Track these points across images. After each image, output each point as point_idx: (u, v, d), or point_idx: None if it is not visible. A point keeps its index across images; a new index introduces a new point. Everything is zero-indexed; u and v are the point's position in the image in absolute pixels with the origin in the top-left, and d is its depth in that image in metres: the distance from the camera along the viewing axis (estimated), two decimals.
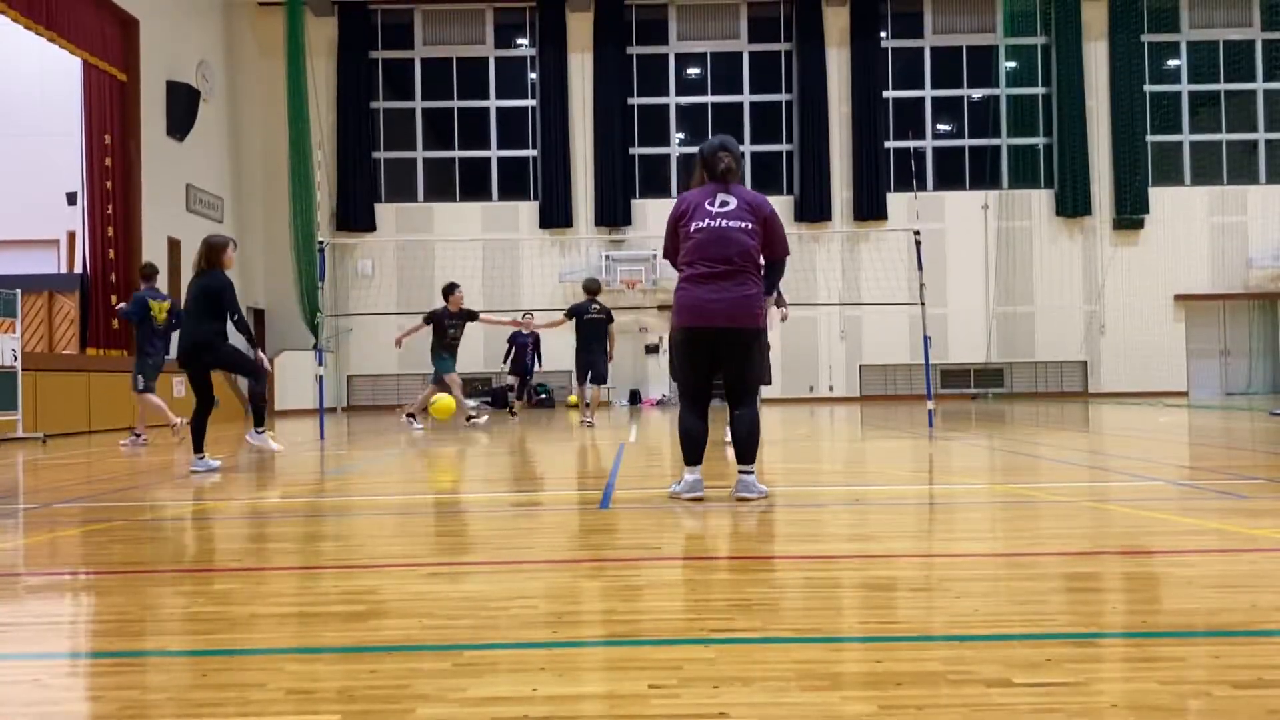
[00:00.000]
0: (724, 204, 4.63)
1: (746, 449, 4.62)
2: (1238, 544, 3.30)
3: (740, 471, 4.60)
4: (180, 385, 15.08)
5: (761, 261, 4.67)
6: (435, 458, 7.94)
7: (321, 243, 11.78)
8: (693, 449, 4.66)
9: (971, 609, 2.43)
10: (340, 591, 2.79)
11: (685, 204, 4.72)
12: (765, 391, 17.55)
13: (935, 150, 21.12)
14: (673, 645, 2.17)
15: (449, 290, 11.80)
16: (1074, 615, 2.39)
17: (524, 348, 15.04)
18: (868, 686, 1.84)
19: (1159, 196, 20.66)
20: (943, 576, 2.84)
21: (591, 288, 12.00)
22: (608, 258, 19.91)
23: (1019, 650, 2.06)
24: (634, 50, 21.08)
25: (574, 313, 11.88)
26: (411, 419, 11.75)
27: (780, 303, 4.90)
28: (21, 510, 4.84)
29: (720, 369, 4.65)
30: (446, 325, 11.69)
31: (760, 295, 4.61)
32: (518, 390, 15.16)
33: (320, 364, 11.43)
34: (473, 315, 11.99)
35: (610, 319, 11.84)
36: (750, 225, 4.60)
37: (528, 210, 20.74)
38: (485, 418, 12.68)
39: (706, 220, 4.62)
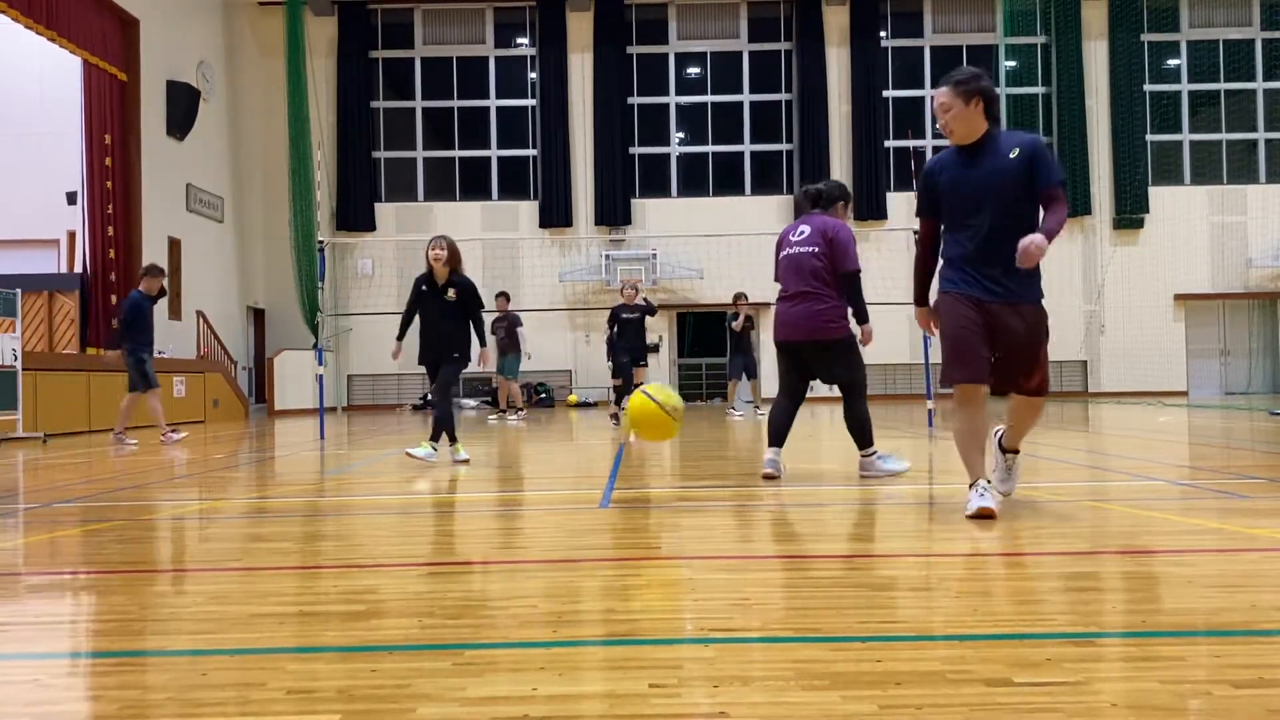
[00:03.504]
0: (801, 233, 5.45)
1: (857, 437, 5.40)
2: (1238, 544, 3.30)
3: (861, 455, 5.39)
4: (180, 384, 15.09)
5: (835, 278, 5.38)
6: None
7: (321, 242, 11.79)
8: (774, 433, 5.44)
9: (971, 609, 2.43)
10: (340, 591, 2.79)
11: (781, 234, 5.62)
12: (766, 391, 17.62)
13: (935, 150, 21.11)
14: (673, 645, 2.17)
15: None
16: (1074, 615, 2.39)
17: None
18: (868, 686, 1.84)
19: (1159, 196, 20.66)
20: (943, 576, 2.84)
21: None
22: (608, 257, 19.91)
23: (1019, 650, 2.06)
24: (634, 50, 21.08)
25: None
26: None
27: (862, 319, 5.18)
28: (21, 510, 4.84)
29: (814, 374, 5.47)
30: (496, 328, 13.36)
31: (835, 309, 5.30)
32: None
33: (320, 363, 11.44)
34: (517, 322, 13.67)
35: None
36: (818, 249, 5.34)
37: (528, 210, 20.75)
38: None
39: (786, 250, 5.49)
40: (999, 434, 4.36)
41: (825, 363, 5.35)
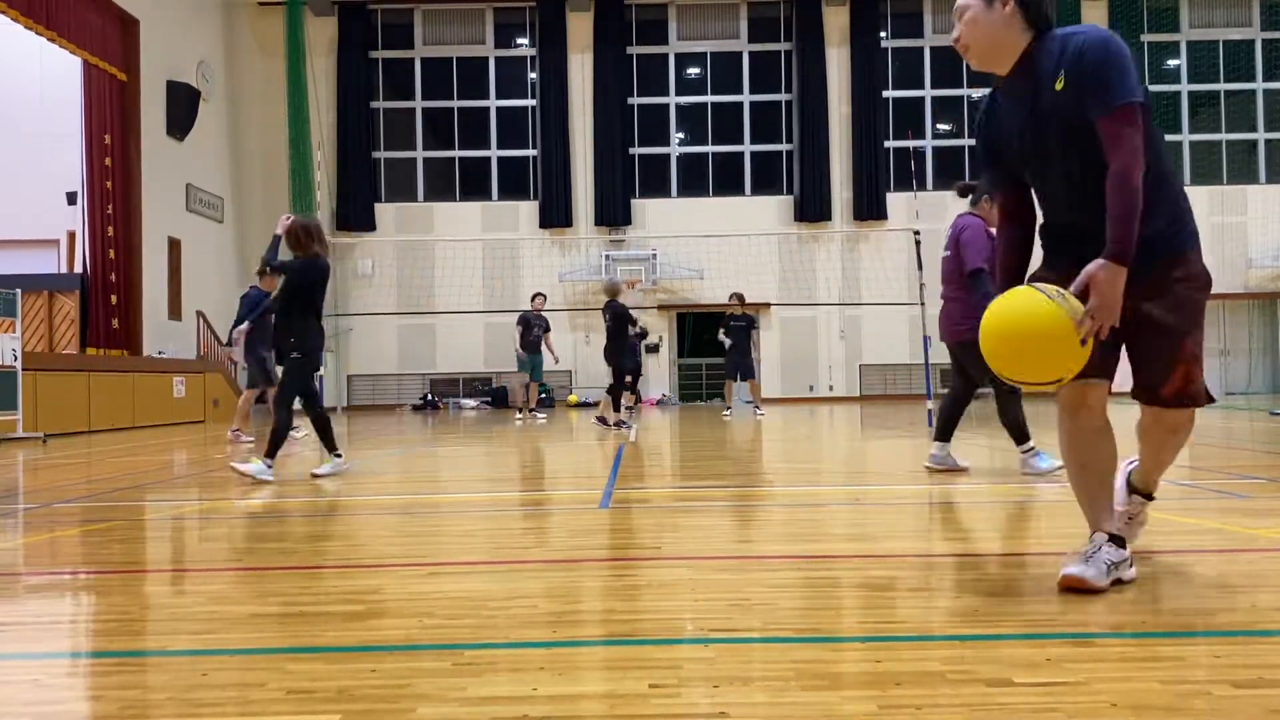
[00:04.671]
0: (947, 237, 5.54)
1: (1012, 435, 5.41)
2: (1238, 544, 3.30)
3: (1019, 452, 5.44)
4: (180, 384, 15.09)
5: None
6: (435, 457, 7.95)
7: None
8: (938, 427, 5.59)
9: (971, 609, 2.43)
10: (340, 591, 2.79)
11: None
12: (766, 391, 17.59)
13: (935, 150, 21.11)
14: (673, 645, 2.17)
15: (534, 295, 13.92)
16: (1074, 615, 2.39)
17: (632, 346, 15.46)
18: (868, 686, 1.84)
19: None
20: (943, 576, 2.84)
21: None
22: (608, 258, 19.91)
23: (1019, 650, 2.06)
24: (634, 50, 21.07)
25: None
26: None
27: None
28: (21, 510, 4.84)
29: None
30: (533, 325, 13.54)
31: (963, 310, 5.28)
32: (631, 386, 15.48)
33: (320, 364, 11.43)
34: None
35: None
36: (950, 251, 5.43)
37: (528, 210, 20.75)
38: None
39: (940, 254, 5.65)
40: (1130, 466, 3.06)
41: (964, 363, 5.43)
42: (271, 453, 5.79)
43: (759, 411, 13.70)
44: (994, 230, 5.27)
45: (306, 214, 6.24)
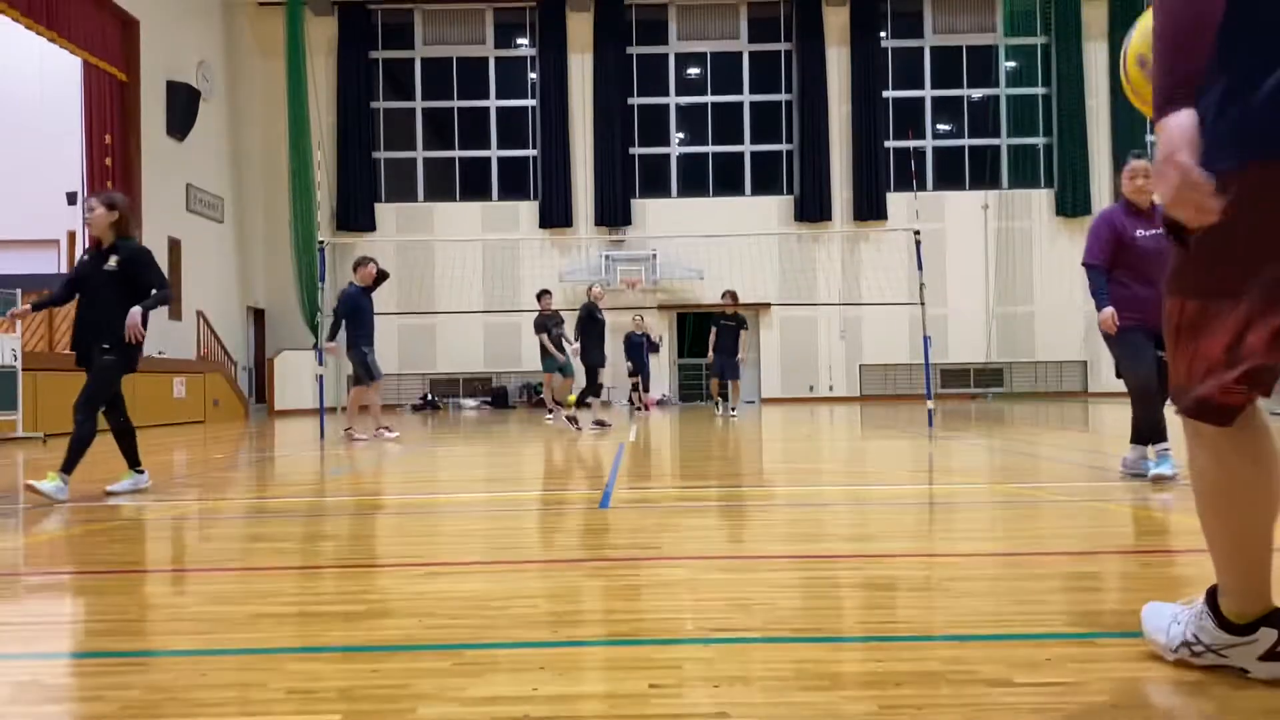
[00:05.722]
0: None
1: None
2: None
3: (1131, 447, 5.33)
4: (180, 385, 15.09)
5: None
6: (436, 457, 7.95)
7: (321, 243, 11.79)
8: (1134, 430, 5.29)
9: (971, 609, 2.43)
10: (340, 591, 2.79)
11: None
12: (766, 391, 17.64)
13: (935, 150, 21.12)
14: (673, 645, 2.17)
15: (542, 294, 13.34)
16: (1074, 615, 2.39)
17: (638, 347, 15.78)
18: (868, 686, 1.84)
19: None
20: (943, 576, 2.84)
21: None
22: (607, 258, 19.91)
23: (1019, 650, 2.06)
24: (634, 50, 21.08)
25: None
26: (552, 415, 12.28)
27: (1096, 307, 5.08)
28: (21, 510, 4.84)
29: None
30: (550, 326, 13.09)
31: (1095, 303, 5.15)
32: (641, 386, 16.10)
33: (320, 364, 11.44)
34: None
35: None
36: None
37: (528, 210, 20.75)
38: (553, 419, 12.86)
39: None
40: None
41: (1113, 353, 5.29)
42: (69, 467, 5.12)
43: (732, 411, 13.60)
44: (1141, 211, 5.10)
45: (107, 193, 5.63)
